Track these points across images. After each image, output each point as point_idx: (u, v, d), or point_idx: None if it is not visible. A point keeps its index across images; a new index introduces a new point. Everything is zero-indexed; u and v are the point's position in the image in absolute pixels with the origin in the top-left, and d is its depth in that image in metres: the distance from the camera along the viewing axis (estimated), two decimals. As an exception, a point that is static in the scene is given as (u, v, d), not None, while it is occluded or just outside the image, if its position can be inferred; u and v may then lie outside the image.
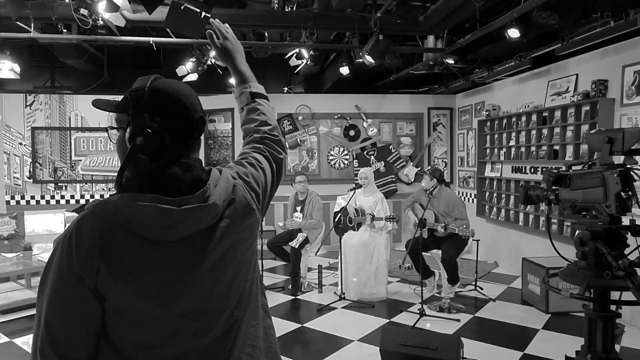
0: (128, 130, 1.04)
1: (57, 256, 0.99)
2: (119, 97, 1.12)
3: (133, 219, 0.97)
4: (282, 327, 4.27)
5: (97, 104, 1.10)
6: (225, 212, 1.09)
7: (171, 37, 5.19)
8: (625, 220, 2.21)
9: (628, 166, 2.14)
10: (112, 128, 1.13)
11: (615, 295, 2.22)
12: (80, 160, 7.44)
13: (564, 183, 2.36)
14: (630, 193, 2.11)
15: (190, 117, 1.09)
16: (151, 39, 5.06)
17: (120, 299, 0.98)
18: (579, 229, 2.31)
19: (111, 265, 0.96)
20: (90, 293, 0.97)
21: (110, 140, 1.14)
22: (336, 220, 5.13)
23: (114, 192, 1.05)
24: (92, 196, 7.48)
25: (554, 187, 2.40)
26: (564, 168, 2.41)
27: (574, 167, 2.42)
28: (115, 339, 1.01)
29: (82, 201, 7.41)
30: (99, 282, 0.96)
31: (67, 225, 1.05)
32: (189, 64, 6.31)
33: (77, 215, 1.03)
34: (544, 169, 2.37)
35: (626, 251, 2.15)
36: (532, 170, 5.66)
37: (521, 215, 5.88)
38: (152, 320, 1.01)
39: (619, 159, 2.18)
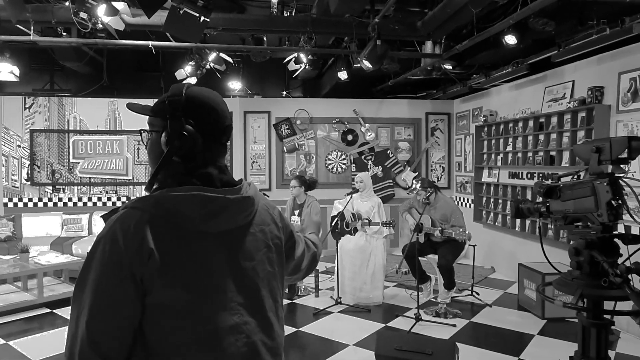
0: (164, 133, 1.09)
1: (100, 251, 1.00)
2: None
3: (176, 210, 1.02)
4: (278, 331, 4.27)
5: (131, 107, 1.17)
6: (255, 218, 1.17)
7: (170, 41, 5.21)
8: (620, 228, 2.23)
9: (617, 175, 2.17)
10: (146, 131, 1.18)
11: (608, 305, 2.24)
12: (79, 162, 7.44)
13: (554, 195, 2.37)
14: (620, 201, 2.14)
15: (221, 123, 1.16)
16: (150, 43, 5.09)
17: (164, 290, 0.99)
18: (573, 239, 2.33)
19: (160, 253, 0.99)
20: (135, 288, 0.98)
21: (142, 143, 1.20)
22: (333, 224, 5.14)
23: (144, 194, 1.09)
24: (89, 199, 7.48)
25: (544, 199, 2.42)
26: (551, 181, 2.43)
27: (563, 179, 2.44)
28: (151, 338, 1.00)
29: (80, 204, 7.42)
30: (146, 273, 0.98)
31: (102, 227, 1.05)
32: (188, 68, 6.33)
33: (107, 219, 1.05)
34: (535, 182, 2.39)
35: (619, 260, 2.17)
36: (529, 175, 5.68)
37: (518, 221, 5.89)
38: (192, 315, 1.02)
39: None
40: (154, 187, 1.09)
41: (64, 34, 5.34)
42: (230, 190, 1.10)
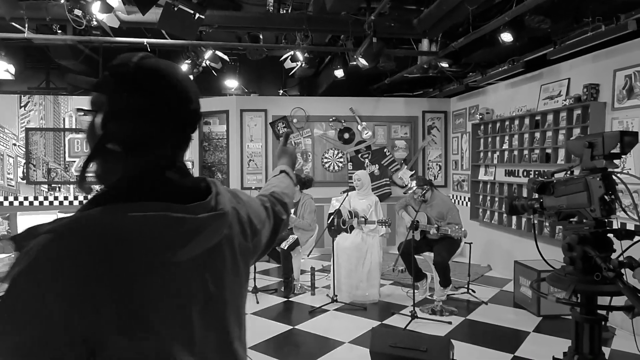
0: (101, 113, 0.83)
1: (15, 305, 0.69)
2: None
3: (131, 237, 0.74)
4: (273, 329, 4.27)
5: (72, 80, 0.88)
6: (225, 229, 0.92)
7: (166, 39, 5.20)
8: (616, 225, 2.23)
9: (609, 170, 2.17)
10: (82, 110, 0.87)
11: (602, 301, 2.24)
12: (75, 161, 7.42)
13: (547, 191, 2.38)
14: (613, 196, 2.14)
15: (184, 106, 0.88)
16: (145, 40, 5.07)
17: (120, 344, 0.72)
18: (566, 235, 2.33)
19: (113, 299, 0.71)
20: (75, 356, 0.70)
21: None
22: (329, 222, 5.14)
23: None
24: (85, 197, 7.45)
25: (538, 196, 2.42)
26: (546, 176, 2.43)
27: (556, 175, 2.44)
28: None
29: (76, 203, 7.40)
30: (92, 330, 0.70)
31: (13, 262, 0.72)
32: (184, 66, 6.30)
33: (20, 246, 0.73)
34: (528, 178, 2.39)
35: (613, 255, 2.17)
36: (525, 173, 5.68)
37: (514, 219, 5.90)
38: None
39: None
40: (100, 189, 0.83)
41: (59, 31, 5.32)
42: (202, 206, 0.83)
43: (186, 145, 0.92)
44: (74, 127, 7.42)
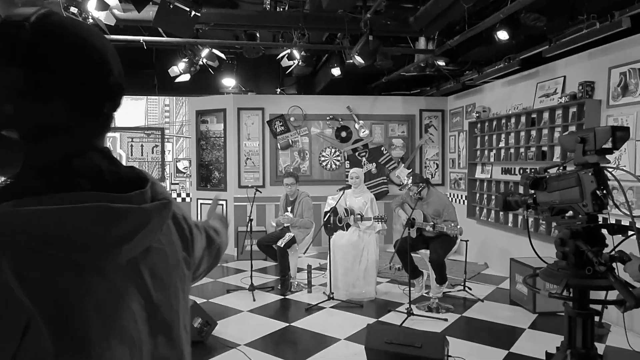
0: None
1: None
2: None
3: (59, 235, 0.58)
4: (270, 326, 4.28)
5: None
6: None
7: (162, 37, 5.20)
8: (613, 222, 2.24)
9: (601, 165, 2.18)
10: None
11: (595, 295, 2.25)
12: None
13: (540, 186, 2.39)
14: (605, 191, 2.15)
15: (101, 80, 0.70)
16: (142, 38, 5.07)
17: None
18: (559, 230, 2.34)
19: (42, 315, 0.56)
20: None
21: None
22: (325, 219, 5.15)
23: None
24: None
25: (531, 191, 2.44)
26: (539, 172, 2.44)
27: (549, 170, 2.45)
28: None
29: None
30: (16, 351, 0.55)
31: None
32: (181, 65, 6.31)
33: None
34: (522, 174, 2.40)
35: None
36: (521, 171, 5.69)
37: (510, 217, 5.92)
38: None
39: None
40: (4, 181, 0.65)
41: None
42: (142, 194, 0.69)
43: (106, 127, 0.74)
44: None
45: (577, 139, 2.23)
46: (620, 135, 2.16)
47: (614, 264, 2.04)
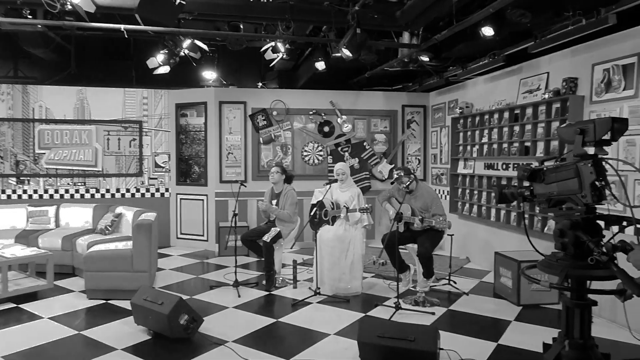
0: None
1: None
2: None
3: None
4: (256, 322, 4.20)
5: None
6: None
7: (143, 26, 5.03)
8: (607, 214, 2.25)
9: (600, 156, 2.19)
10: None
11: (593, 285, 2.27)
12: (44, 153, 7.14)
13: (538, 178, 2.40)
14: (603, 182, 2.16)
15: None
16: (122, 26, 4.89)
17: None
18: (557, 221, 2.35)
19: None
20: None
21: None
22: (312, 214, 5.09)
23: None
24: (56, 191, 7.19)
25: (528, 183, 2.44)
26: (536, 164, 2.45)
27: (546, 163, 2.46)
28: None
29: (46, 196, 7.12)
30: None
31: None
32: (161, 56, 6.13)
33: None
34: (517, 166, 2.40)
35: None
36: (504, 166, 5.76)
37: (493, 211, 5.99)
38: None
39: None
40: None
41: (29, 16, 5.08)
42: None
43: None
44: (43, 117, 7.13)
45: (576, 130, 2.24)
46: (618, 126, 2.18)
47: (615, 254, 2.07)
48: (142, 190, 7.55)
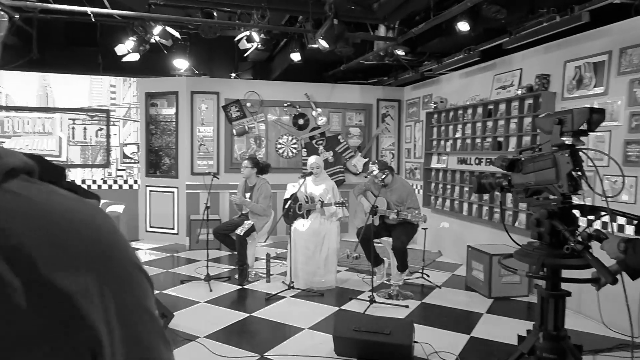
0: None
1: None
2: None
3: None
4: (228, 317, 4.11)
5: None
6: None
7: (108, 9, 4.82)
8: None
9: (577, 147, 2.21)
10: None
11: (567, 274, 2.30)
12: (4, 142, 6.79)
13: (516, 168, 2.41)
14: (580, 173, 2.18)
15: None
16: (89, 9, 4.67)
17: None
18: (534, 211, 2.36)
19: None
20: None
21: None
22: (286, 207, 5.01)
23: None
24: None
25: (506, 173, 2.45)
26: (514, 154, 2.46)
27: (524, 153, 2.47)
28: None
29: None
30: None
31: None
32: (130, 43, 5.90)
33: None
34: (494, 158, 2.39)
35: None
36: (477, 161, 5.82)
37: (465, 205, 6.05)
38: None
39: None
40: None
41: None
42: None
43: None
44: (3, 104, 6.78)
45: (554, 120, 2.24)
46: (596, 117, 2.19)
47: (589, 243, 2.09)
48: (110, 182, 7.29)
